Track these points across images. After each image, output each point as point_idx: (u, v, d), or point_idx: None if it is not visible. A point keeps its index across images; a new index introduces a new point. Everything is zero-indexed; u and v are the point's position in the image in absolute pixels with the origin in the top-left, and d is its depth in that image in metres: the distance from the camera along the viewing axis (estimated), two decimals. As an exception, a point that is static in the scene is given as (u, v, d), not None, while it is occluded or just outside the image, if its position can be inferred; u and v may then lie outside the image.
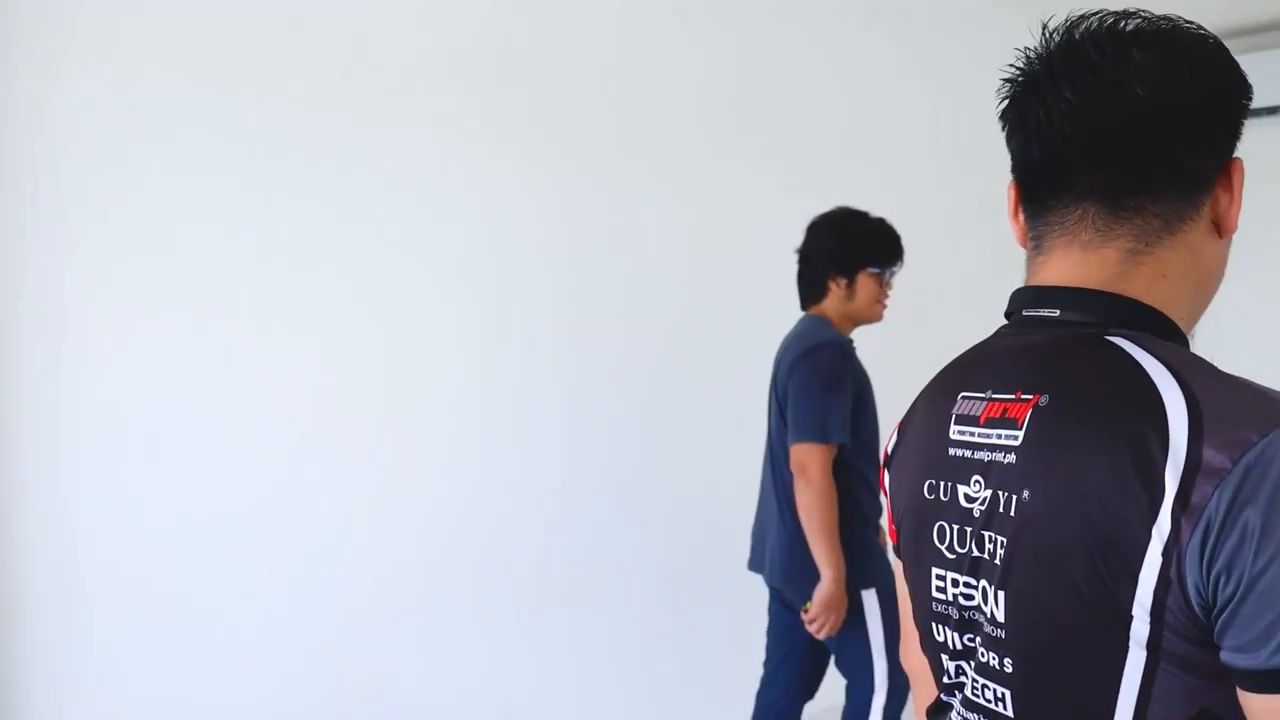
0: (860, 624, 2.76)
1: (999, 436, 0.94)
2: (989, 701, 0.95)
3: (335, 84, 3.39)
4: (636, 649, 3.74)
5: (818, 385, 2.69)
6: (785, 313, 2.99)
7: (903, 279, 2.93)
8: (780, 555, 2.82)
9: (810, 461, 2.66)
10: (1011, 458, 0.92)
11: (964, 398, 1.00)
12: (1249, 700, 0.79)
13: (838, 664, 2.90)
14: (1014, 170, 1.02)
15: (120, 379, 3.27)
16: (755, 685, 3.09)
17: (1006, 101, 1.00)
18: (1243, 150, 0.98)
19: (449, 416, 3.57)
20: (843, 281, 2.80)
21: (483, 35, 3.51)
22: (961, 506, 0.97)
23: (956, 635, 0.99)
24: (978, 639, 0.96)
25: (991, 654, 0.94)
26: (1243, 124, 0.97)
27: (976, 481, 0.96)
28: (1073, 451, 0.87)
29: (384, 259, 3.48)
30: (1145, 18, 0.95)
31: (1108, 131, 0.92)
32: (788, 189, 3.57)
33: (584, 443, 3.71)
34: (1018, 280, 1.05)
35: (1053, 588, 0.87)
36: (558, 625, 3.68)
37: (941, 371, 1.08)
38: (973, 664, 0.97)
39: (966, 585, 0.97)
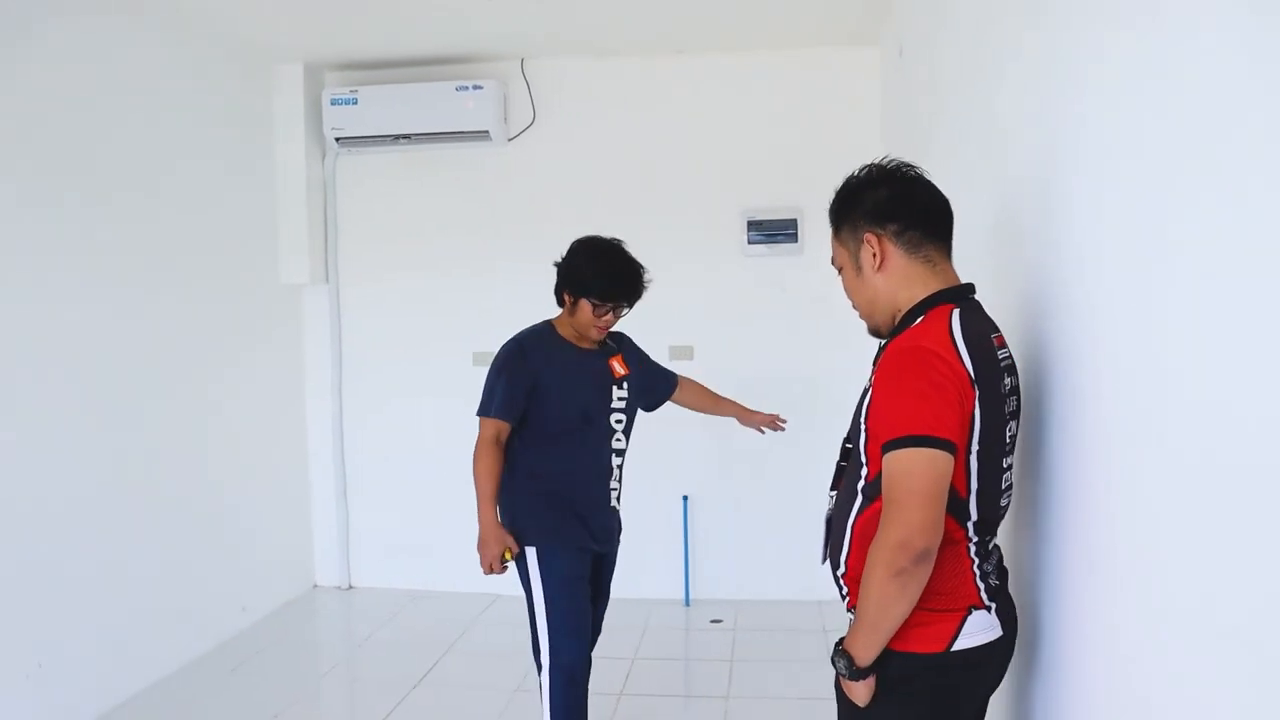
0: (527, 577, 3.27)
1: (1005, 352, 1.95)
2: (1010, 470, 1.96)
3: None
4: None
5: (492, 370, 3.29)
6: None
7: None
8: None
9: (479, 431, 3.26)
10: (1010, 361, 1.95)
11: (993, 336, 1.92)
12: None
13: None
14: (913, 226, 1.97)
15: None
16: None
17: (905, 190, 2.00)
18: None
19: None
20: (570, 299, 3.29)
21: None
22: (1006, 391, 1.89)
23: (1008, 455, 1.94)
24: (1009, 450, 1.94)
25: (1011, 457, 1.96)
26: None
27: (1006, 372, 1.91)
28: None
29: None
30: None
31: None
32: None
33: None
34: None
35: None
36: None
37: (966, 328, 1.84)
38: (1008, 464, 1.94)
39: (1013, 426, 1.95)
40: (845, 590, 1.99)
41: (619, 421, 3.40)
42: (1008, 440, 1.92)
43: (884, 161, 2.04)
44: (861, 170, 2.04)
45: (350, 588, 5.86)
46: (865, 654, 1.84)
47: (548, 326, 3.39)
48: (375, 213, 5.80)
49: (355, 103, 5.48)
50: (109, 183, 4.26)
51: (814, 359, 5.23)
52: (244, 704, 4.26)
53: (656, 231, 5.50)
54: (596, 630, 3.47)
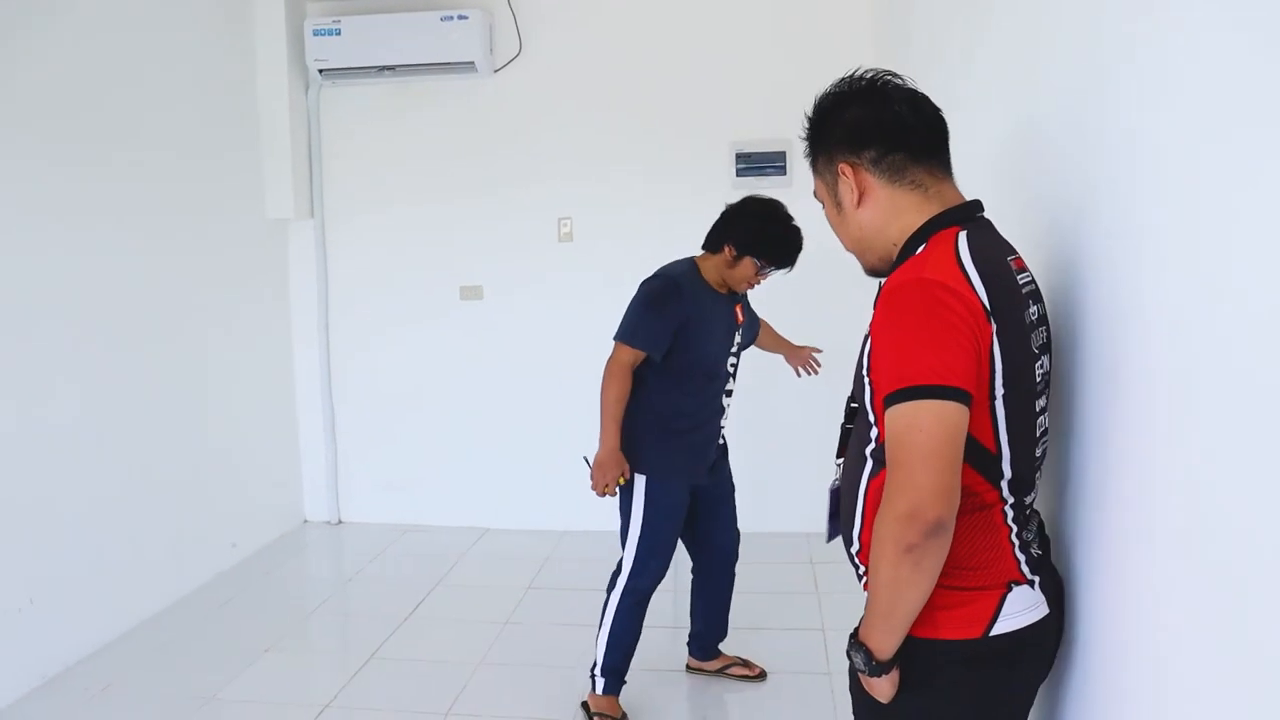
0: (630, 501, 3.38)
1: (1027, 276, 1.68)
2: (1045, 414, 1.70)
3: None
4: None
5: (640, 300, 3.33)
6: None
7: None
8: None
9: (615, 354, 3.31)
10: (1034, 287, 1.69)
11: (1010, 259, 1.65)
12: None
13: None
14: (895, 149, 1.68)
15: None
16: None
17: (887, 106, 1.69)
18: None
19: None
20: (733, 253, 3.34)
21: None
22: (1032, 321, 1.64)
23: (1040, 397, 1.67)
24: (1043, 390, 1.68)
25: (1044, 398, 1.69)
26: None
27: (1030, 299, 1.65)
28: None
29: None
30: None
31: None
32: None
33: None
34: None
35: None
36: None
37: (975, 251, 1.57)
38: (1042, 406, 1.68)
39: (1045, 362, 1.68)
40: (862, 570, 1.73)
41: (733, 365, 3.52)
42: (1038, 378, 1.65)
43: (858, 74, 1.73)
44: (833, 86, 1.75)
45: (340, 523, 5.88)
46: (884, 646, 1.60)
47: (692, 266, 3.43)
48: (361, 146, 5.73)
49: (338, 34, 5.38)
50: (87, 119, 4.17)
51: (804, 290, 5.20)
52: (234, 639, 4.28)
53: (645, 163, 5.47)
54: (735, 539, 3.72)
